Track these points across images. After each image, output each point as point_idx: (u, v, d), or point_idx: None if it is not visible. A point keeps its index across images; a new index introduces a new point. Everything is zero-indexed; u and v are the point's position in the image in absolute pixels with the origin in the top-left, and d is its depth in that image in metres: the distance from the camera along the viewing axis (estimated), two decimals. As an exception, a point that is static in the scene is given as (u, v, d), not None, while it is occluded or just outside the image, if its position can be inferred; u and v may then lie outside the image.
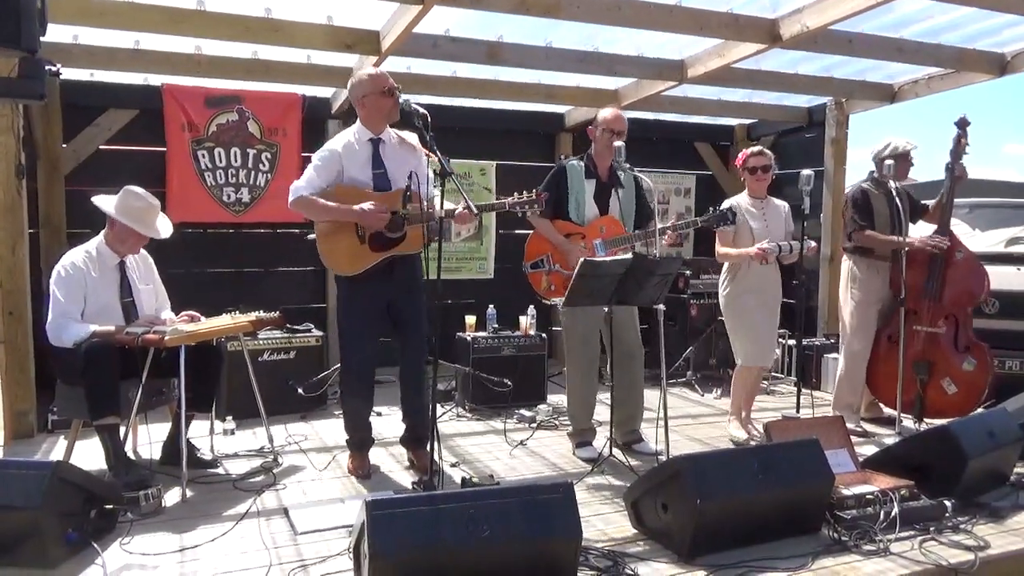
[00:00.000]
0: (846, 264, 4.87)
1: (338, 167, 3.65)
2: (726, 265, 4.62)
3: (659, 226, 4.03)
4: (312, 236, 3.75)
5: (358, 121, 3.74)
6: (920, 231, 4.85)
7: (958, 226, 6.67)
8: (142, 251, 3.98)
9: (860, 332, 4.75)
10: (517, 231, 6.20)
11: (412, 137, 3.79)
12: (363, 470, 3.78)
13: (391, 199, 3.60)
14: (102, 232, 3.81)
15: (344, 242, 3.63)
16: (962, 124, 4.57)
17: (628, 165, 4.09)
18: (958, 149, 4.59)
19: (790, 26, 4.56)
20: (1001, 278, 5.15)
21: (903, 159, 4.69)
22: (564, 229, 4.13)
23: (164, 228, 3.92)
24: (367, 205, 3.52)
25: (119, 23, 4.28)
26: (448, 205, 3.46)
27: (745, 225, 4.45)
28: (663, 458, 3.67)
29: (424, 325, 3.81)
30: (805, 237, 4.41)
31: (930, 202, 4.84)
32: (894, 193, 4.58)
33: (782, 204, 4.67)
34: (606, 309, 3.99)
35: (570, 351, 4.24)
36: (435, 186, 3.34)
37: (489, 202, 3.76)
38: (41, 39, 2.04)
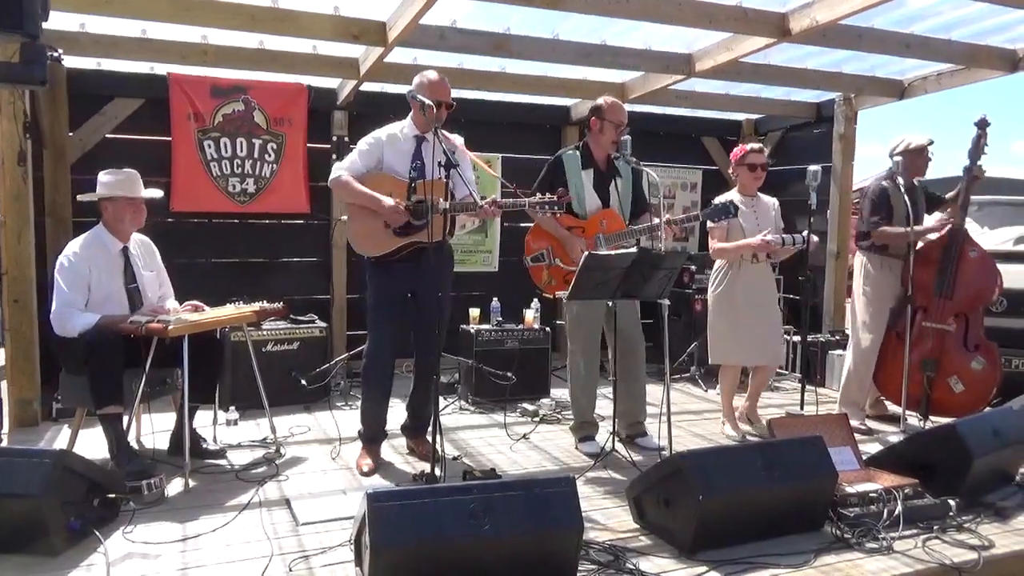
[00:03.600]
0: (859, 261, 4.85)
1: (379, 154, 3.76)
2: (718, 263, 4.59)
3: (659, 220, 4.00)
4: (344, 217, 3.88)
5: (410, 115, 3.80)
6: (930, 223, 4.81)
7: (967, 224, 6.64)
8: (144, 237, 3.99)
9: (871, 329, 4.74)
10: (522, 224, 6.18)
11: (458, 139, 3.84)
12: (372, 466, 3.78)
13: (419, 188, 3.64)
14: (101, 221, 3.82)
15: (370, 225, 3.70)
16: (982, 124, 4.53)
17: (635, 159, 4.06)
18: (977, 149, 4.56)
19: (800, 20, 4.53)
20: (1010, 276, 5.12)
21: (918, 155, 4.66)
22: (564, 222, 4.10)
23: (151, 191, 3.93)
24: (391, 201, 3.58)
25: (126, 11, 4.26)
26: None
27: (736, 222, 4.41)
28: (666, 453, 3.66)
29: (445, 317, 3.81)
30: (806, 231, 4.38)
31: (950, 194, 4.80)
32: (901, 190, 4.55)
33: (771, 200, 4.65)
34: (609, 303, 3.98)
35: (573, 345, 4.22)
36: (440, 178, 3.35)
37: (512, 199, 3.76)
38: (43, 25, 2.03)
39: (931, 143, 4.67)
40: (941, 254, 4.54)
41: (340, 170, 3.75)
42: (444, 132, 3.72)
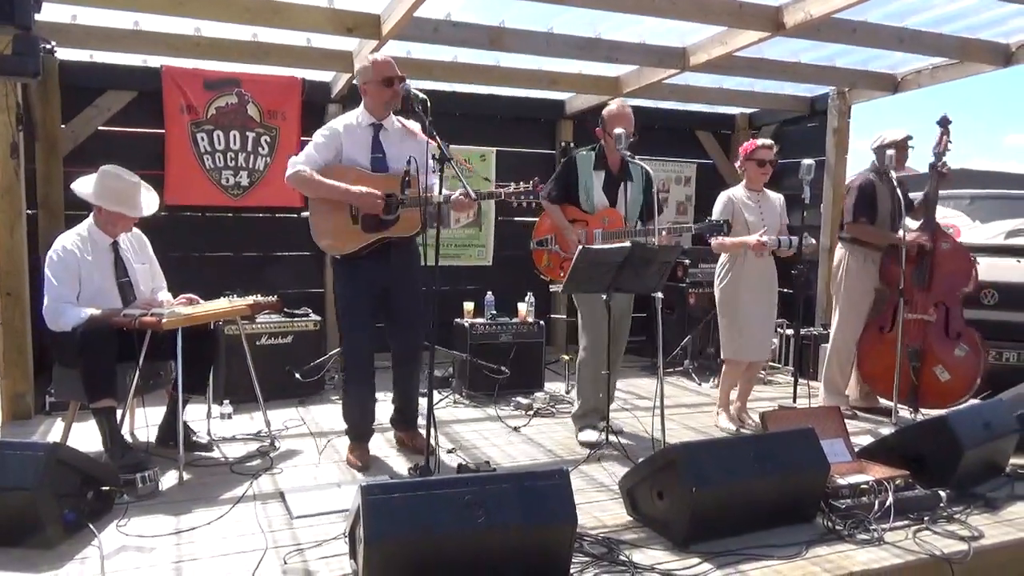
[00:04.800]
0: (841, 251, 4.93)
1: (338, 146, 3.67)
2: (722, 256, 4.61)
3: (653, 226, 4.03)
4: (306, 214, 3.75)
5: (362, 104, 3.74)
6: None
7: (958, 217, 6.69)
8: (136, 230, 3.96)
9: (850, 317, 4.83)
10: (516, 218, 6.19)
11: (415, 125, 3.79)
12: (363, 461, 3.75)
13: (388, 182, 3.60)
14: (92, 214, 3.79)
15: (337, 221, 3.63)
16: (944, 123, 4.61)
17: (629, 153, 4.06)
18: (940, 147, 4.61)
19: (794, 14, 4.53)
20: (1001, 270, 5.15)
21: (896, 149, 4.70)
22: (571, 215, 4.25)
23: (149, 205, 3.88)
24: (364, 188, 3.52)
25: (118, 3, 4.25)
26: (447, 191, 3.45)
27: (741, 217, 4.44)
28: (659, 446, 3.67)
29: (419, 311, 3.80)
30: (805, 234, 4.42)
31: (917, 196, 4.86)
32: (885, 184, 4.60)
33: (777, 196, 4.68)
34: (604, 297, 3.98)
35: (584, 335, 4.23)
36: (434, 171, 3.34)
37: (487, 190, 3.78)
38: (36, 16, 2.01)
39: (909, 138, 4.71)
40: (917, 248, 4.59)
41: (298, 165, 3.62)
42: (400, 119, 3.74)
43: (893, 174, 4.62)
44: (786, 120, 7.18)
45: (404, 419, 4.03)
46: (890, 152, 4.62)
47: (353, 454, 3.81)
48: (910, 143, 4.75)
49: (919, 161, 4.90)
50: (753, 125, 7.48)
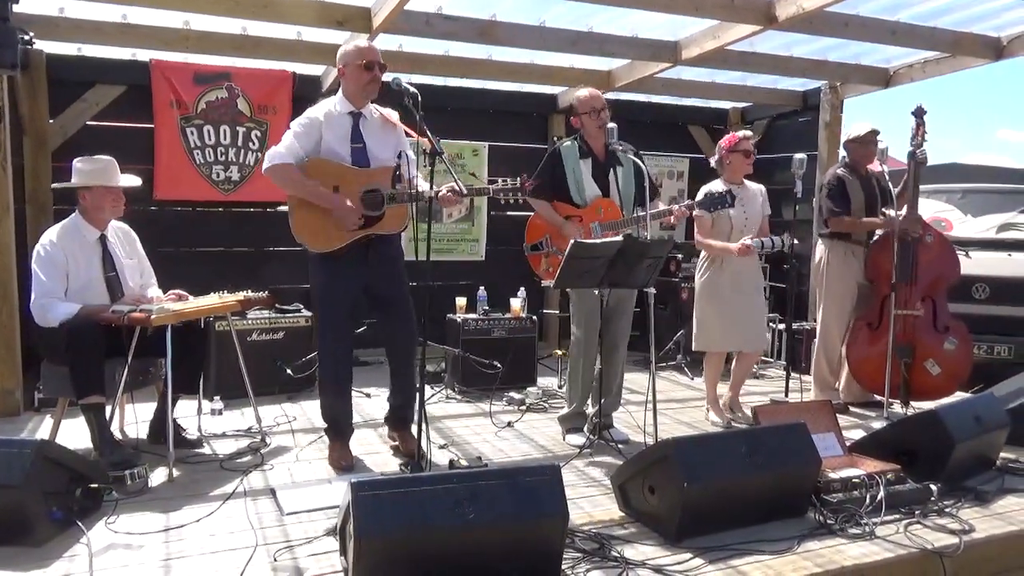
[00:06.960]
0: (821, 247, 4.94)
1: (318, 135, 3.53)
2: (703, 252, 4.61)
3: (652, 211, 3.98)
4: (284, 208, 3.62)
5: (339, 91, 3.64)
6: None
7: (950, 212, 6.70)
8: (124, 225, 3.94)
9: (833, 312, 4.85)
10: (509, 213, 6.16)
11: (393, 115, 3.69)
12: (345, 461, 3.67)
13: (371, 176, 3.54)
14: (77, 209, 3.76)
15: (319, 215, 3.49)
16: (919, 113, 4.64)
17: (621, 147, 4.02)
18: (917, 137, 4.64)
19: (786, 7, 4.53)
20: (992, 264, 5.16)
21: (863, 144, 4.75)
22: (563, 211, 4.08)
23: (129, 178, 3.83)
24: (347, 202, 3.42)
25: (106, -5, 4.21)
26: (436, 188, 3.43)
27: (723, 213, 4.40)
28: (651, 441, 3.66)
29: (410, 301, 3.75)
30: (786, 234, 4.40)
31: (897, 189, 4.87)
32: (855, 178, 4.61)
33: (758, 188, 4.65)
34: (596, 292, 3.96)
35: (575, 336, 4.18)
36: (425, 166, 3.31)
37: (474, 186, 3.69)
38: (17, 8, 1.98)
39: (875, 132, 4.72)
40: (894, 240, 4.57)
41: (279, 157, 3.45)
42: (379, 108, 3.66)
43: (885, 168, 4.62)
44: (779, 114, 7.18)
45: (399, 418, 3.90)
46: (882, 147, 4.63)
47: (335, 454, 3.73)
48: (877, 138, 4.74)
49: (898, 154, 4.92)
50: (745, 120, 7.47)
